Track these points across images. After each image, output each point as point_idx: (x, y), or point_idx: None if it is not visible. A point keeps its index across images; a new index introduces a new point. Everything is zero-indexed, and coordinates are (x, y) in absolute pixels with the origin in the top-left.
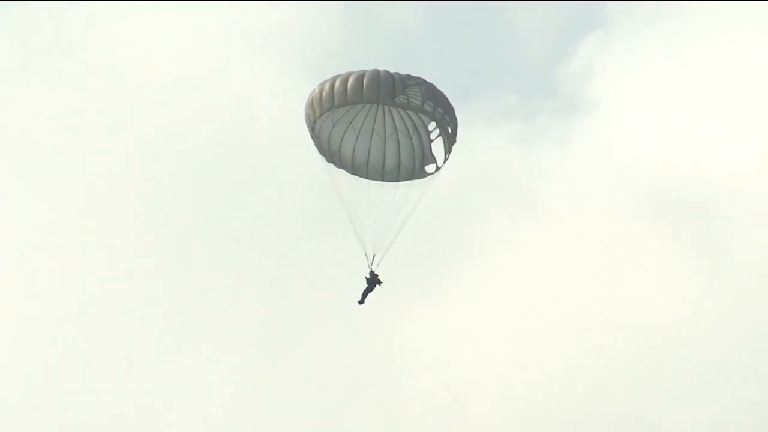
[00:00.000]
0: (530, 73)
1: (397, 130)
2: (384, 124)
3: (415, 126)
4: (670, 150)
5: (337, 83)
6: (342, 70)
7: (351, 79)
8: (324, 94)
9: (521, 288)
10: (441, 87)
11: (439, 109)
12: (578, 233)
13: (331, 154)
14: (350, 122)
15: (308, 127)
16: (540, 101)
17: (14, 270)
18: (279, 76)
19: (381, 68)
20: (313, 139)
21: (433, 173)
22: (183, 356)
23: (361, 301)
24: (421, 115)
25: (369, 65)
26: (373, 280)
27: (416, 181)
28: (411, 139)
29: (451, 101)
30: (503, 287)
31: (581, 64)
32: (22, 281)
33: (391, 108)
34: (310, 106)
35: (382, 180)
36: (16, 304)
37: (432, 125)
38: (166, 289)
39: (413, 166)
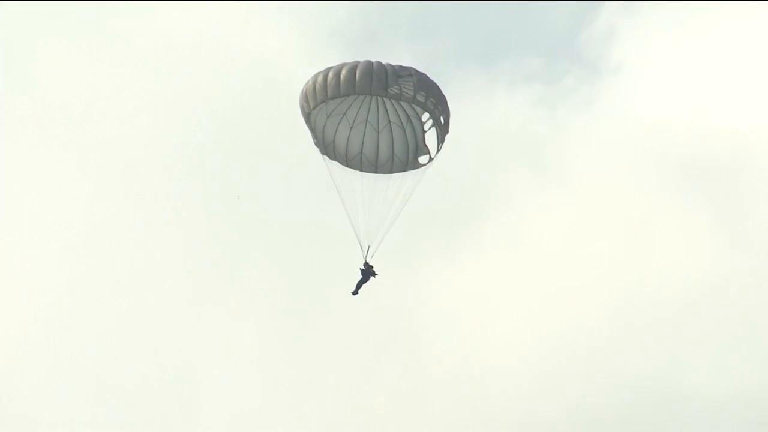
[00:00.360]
0: (554, 36)
1: (390, 121)
2: (377, 115)
3: (408, 117)
4: (692, 113)
5: (330, 75)
6: (363, 35)
7: (344, 71)
8: (317, 86)
9: (542, 250)
10: (467, 49)
11: (431, 99)
12: (601, 196)
13: (326, 145)
14: (344, 113)
15: (304, 118)
16: (564, 65)
17: (45, 236)
18: (298, 42)
19: (374, 59)
20: (309, 131)
21: (426, 164)
22: (207, 318)
23: (355, 292)
24: (414, 106)
25: (391, 30)
26: (367, 272)
27: (409, 172)
28: (404, 130)
29: (450, 86)
30: (524, 249)
31: (604, 27)
32: (52, 246)
33: (384, 99)
34: (305, 98)
35: (376, 172)
36: (45, 270)
37: (425, 116)
38: (193, 249)
39: (406, 158)
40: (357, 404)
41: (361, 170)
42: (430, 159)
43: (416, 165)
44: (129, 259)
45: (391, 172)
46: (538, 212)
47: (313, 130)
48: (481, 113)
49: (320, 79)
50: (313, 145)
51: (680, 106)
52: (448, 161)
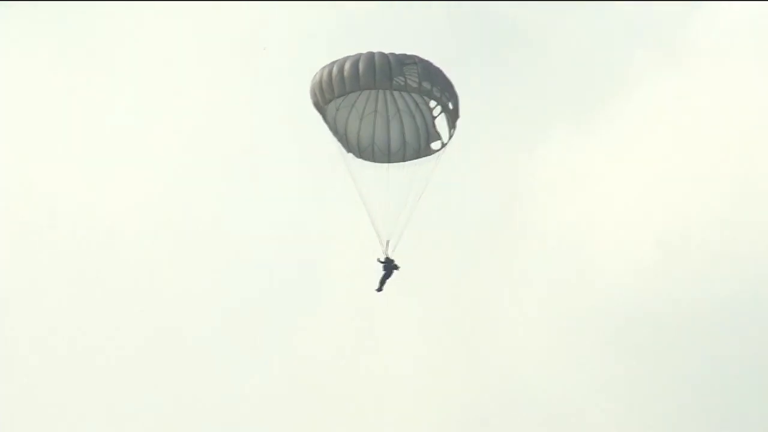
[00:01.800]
0: None
1: (399, 109)
2: (386, 105)
3: (416, 104)
4: None
5: (335, 71)
6: None
7: (347, 66)
8: (323, 84)
9: (669, 131)
10: None
11: (437, 87)
12: (726, 79)
13: (340, 137)
14: (353, 105)
15: (317, 111)
16: None
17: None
18: None
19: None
20: (326, 124)
21: (439, 150)
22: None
23: (380, 289)
24: (422, 95)
25: None
26: (389, 266)
27: (423, 159)
28: (414, 117)
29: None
30: (650, 128)
31: None
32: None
33: (392, 91)
34: (313, 95)
35: (389, 162)
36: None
37: (433, 103)
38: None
39: (418, 144)
40: (461, 287)
41: (374, 161)
42: (443, 145)
43: (429, 151)
44: (251, 148)
45: (404, 160)
46: (666, 93)
47: (327, 122)
48: None
49: (325, 76)
50: (332, 135)
51: None
52: (576, 35)
